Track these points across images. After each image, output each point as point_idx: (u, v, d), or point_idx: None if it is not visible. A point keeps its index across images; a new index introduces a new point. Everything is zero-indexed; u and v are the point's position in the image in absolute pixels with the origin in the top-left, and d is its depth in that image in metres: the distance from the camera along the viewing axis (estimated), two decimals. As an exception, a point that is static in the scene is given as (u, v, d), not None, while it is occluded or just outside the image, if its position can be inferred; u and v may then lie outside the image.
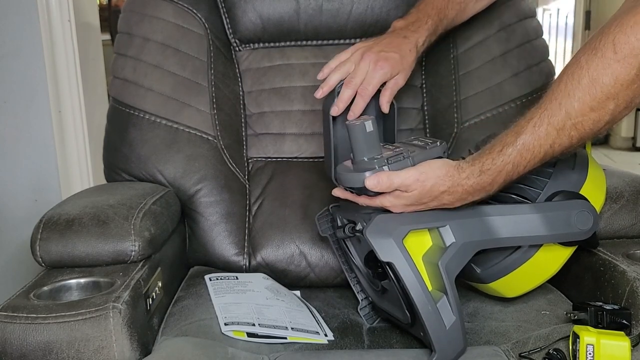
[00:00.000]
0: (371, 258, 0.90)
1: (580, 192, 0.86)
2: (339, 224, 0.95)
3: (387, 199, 0.83)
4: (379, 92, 0.97)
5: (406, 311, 0.83)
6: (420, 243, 0.82)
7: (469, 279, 0.95)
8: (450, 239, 0.81)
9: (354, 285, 1.01)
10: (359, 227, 0.83)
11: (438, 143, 0.87)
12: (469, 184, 0.81)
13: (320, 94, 0.96)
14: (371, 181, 0.81)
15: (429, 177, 0.81)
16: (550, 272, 0.91)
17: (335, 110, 0.94)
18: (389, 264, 0.79)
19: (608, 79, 0.73)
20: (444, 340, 0.79)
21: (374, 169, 0.82)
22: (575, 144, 0.79)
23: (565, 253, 0.89)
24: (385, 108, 0.97)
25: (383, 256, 0.79)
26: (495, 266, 0.89)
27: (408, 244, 0.80)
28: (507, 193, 0.87)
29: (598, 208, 0.89)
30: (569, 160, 0.88)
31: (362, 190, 0.84)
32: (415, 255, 0.80)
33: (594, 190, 0.88)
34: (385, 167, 0.82)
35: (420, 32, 1.02)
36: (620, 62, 0.72)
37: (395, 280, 0.81)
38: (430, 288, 0.80)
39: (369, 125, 0.83)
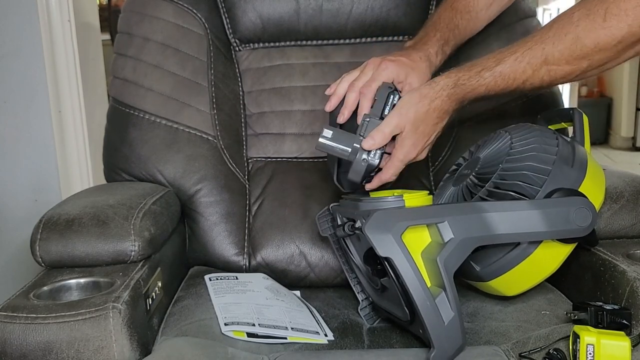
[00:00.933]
0: (370, 255, 0.90)
1: (579, 190, 0.86)
2: (339, 222, 0.95)
3: (397, 153, 0.90)
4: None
5: (405, 308, 0.83)
6: (419, 239, 0.83)
7: (469, 278, 0.95)
8: (448, 234, 0.81)
9: (354, 285, 1.01)
10: (358, 224, 0.83)
11: (378, 86, 0.93)
12: (445, 94, 0.88)
13: (329, 106, 0.96)
14: (368, 142, 0.88)
15: (407, 106, 0.88)
16: (549, 269, 0.91)
17: (342, 119, 0.94)
18: (388, 260, 0.80)
19: (590, 42, 0.81)
20: (442, 336, 0.79)
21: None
22: (544, 87, 0.88)
23: (565, 250, 0.89)
24: None
25: (382, 251, 0.79)
26: (494, 264, 0.89)
27: (407, 240, 0.80)
28: (506, 190, 0.87)
29: (597, 205, 0.89)
30: (567, 158, 0.88)
31: (377, 165, 0.90)
32: (414, 252, 0.80)
33: (593, 188, 0.88)
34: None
35: (430, 44, 1.02)
36: (605, 29, 0.80)
37: (394, 277, 0.81)
38: (429, 284, 0.80)
39: (327, 132, 0.90)
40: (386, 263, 0.81)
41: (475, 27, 1.10)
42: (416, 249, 0.82)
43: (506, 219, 0.83)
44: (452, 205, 0.88)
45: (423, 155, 0.93)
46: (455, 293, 0.79)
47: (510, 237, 0.84)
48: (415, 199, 0.86)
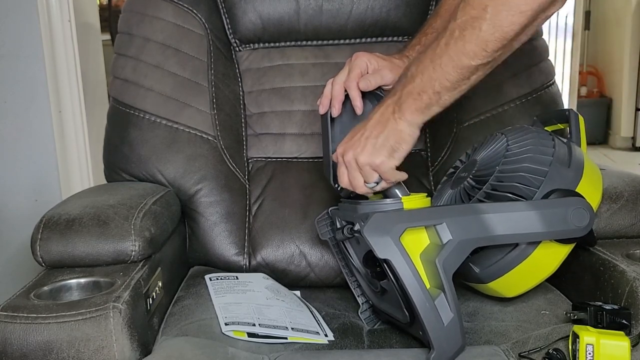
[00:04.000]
0: (370, 257, 0.90)
1: (577, 190, 0.86)
2: (338, 225, 0.95)
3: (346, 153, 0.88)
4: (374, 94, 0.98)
5: (405, 310, 0.83)
6: (417, 241, 0.83)
7: (468, 280, 0.95)
8: (447, 236, 0.81)
9: (354, 289, 1.01)
10: (357, 227, 0.83)
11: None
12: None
13: (322, 109, 0.97)
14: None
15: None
16: (548, 270, 0.91)
17: (335, 111, 0.95)
18: (387, 262, 0.80)
19: None
20: (442, 337, 0.79)
21: None
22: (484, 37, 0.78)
23: (563, 251, 0.89)
24: (362, 86, 0.96)
25: (380, 253, 0.79)
26: (493, 265, 0.89)
27: (405, 242, 0.80)
28: (503, 192, 0.87)
29: (595, 206, 0.90)
30: (564, 159, 0.88)
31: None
32: (412, 254, 0.80)
33: (590, 188, 0.88)
34: None
35: (406, 48, 1.05)
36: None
37: (393, 279, 0.82)
38: (428, 286, 0.80)
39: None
40: (385, 265, 0.81)
41: None
42: (415, 250, 0.82)
43: (504, 220, 0.83)
44: (450, 207, 0.88)
45: (367, 158, 0.85)
46: (454, 294, 0.80)
47: (508, 237, 0.85)
48: (414, 201, 0.86)
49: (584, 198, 0.85)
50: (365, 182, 0.87)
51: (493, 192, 0.88)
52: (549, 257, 0.89)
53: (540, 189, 0.85)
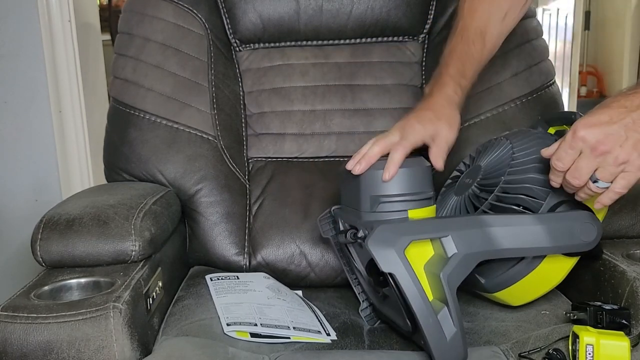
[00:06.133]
0: (373, 265, 0.90)
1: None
2: (341, 227, 0.95)
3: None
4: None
5: (407, 320, 0.83)
6: (422, 252, 0.81)
7: (474, 289, 0.94)
8: (452, 249, 0.80)
9: (355, 286, 1.01)
10: (360, 234, 0.82)
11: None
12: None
13: (359, 169, 0.85)
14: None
15: None
16: (554, 282, 0.90)
17: (358, 169, 0.86)
18: (390, 275, 0.79)
19: None
20: (444, 351, 0.78)
21: None
22: None
23: (569, 263, 0.88)
24: (437, 165, 0.91)
25: (384, 267, 0.78)
26: (499, 277, 0.88)
27: (410, 253, 0.79)
28: (509, 204, 0.86)
29: (601, 216, 0.88)
30: None
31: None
32: (416, 265, 0.79)
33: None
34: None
35: (445, 80, 0.96)
36: None
37: (396, 291, 0.81)
38: (431, 298, 0.79)
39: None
40: (389, 277, 0.80)
41: (497, 43, 1.03)
42: (419, 262, 0.81)
43: (510, 233, 0.82)
44: (455, 219, 0.86)
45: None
46: (458, 308, 0.79)
47: (514, 252, 0.83)
48: (419, 210, 0.85)
49: (591, 211, 0.84)
50: (593, 180, 0.75)
51: (498, 203, 0.87)
52: (555, 270, 0.88)
53: (546, 201, 0.84)
